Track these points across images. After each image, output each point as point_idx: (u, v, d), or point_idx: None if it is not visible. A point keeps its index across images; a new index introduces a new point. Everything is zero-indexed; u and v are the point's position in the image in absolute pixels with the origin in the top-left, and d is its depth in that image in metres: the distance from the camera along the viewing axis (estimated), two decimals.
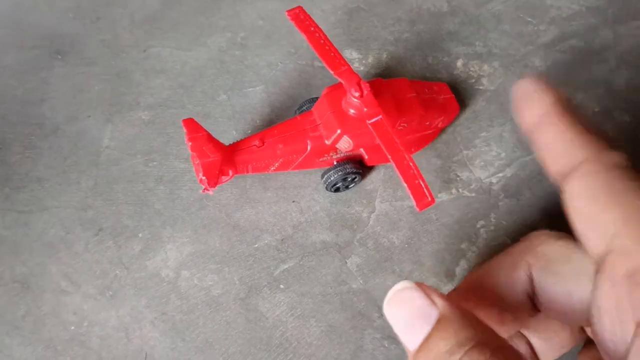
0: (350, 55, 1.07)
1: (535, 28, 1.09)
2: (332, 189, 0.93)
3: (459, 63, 1.06)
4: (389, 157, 0.79)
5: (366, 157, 0.92)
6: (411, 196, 0.76)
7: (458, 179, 0.96)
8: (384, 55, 1.07)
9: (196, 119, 0.93)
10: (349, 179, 0.92)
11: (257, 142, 0.87)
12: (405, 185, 0.76)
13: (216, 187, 0.85)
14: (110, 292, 0.90)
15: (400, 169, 0.77)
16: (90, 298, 0.90)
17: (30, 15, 1.15)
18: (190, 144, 0.83)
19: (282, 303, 0.88)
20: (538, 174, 0.96)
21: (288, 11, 0.84)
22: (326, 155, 0.89)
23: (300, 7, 0.85)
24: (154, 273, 0.91)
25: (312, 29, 0.83)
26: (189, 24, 1.12)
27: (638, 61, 1.06)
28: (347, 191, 0.95)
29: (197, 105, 1.04)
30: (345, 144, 0.86)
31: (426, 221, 0.93)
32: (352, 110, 0.84)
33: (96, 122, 1.03)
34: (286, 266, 0.91)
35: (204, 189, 0.83)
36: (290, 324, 0.88)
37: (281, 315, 0.88)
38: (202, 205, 0.95)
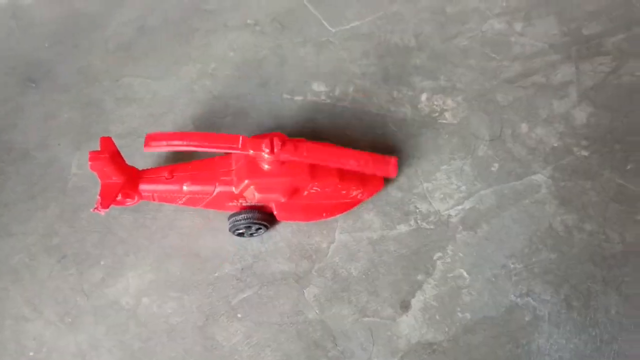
0: (318, 87, 1.13)
1: (499, 64, 1.15)
2: (236, 234, 0.97)
3: (424, 97, 1.12)
4: (340, 165, 0.84)
5: (275, 212, 0.96)
6: (379, 173, 0.81)
7: (417, 211, 1.01)
8: (351, 89, 1.13)
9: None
10: (254, 228, 0.96)
11: (166, 174, 0.92)
12: (369, 171, 0.82)
13: (108, 209, 0.89)
14: (70, 319, 0.95)
15: (354, 164, 0.83)
16: (51, 324, 0.94)
17: (5, 43, 1.20)
18: (90, 163, 0.87)
19: (238, 332, 0.92)
20: (496, 207, 1.00)
21: (145, 147, 0.87)
22: (235, 201, 0.93)
23: (148, 136, 0.87)
24: (114, 300, 0.95)
25: (180, 139, 0.86)
26: (162, 53, 1.17)
27: (600, 97, 1.12)
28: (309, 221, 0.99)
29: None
30: (251, 195, 0.91)
31: (384, 252, 0.98)
32: (265, 166, 0.89)
33: (65, 150, 1.08)
34: (244, 295, 0.95)
35: (95, 208, 0.88)
36: (245, 353, 0.92)
37: (237, 344, 0.92)
38: (165, 234, 0.99)
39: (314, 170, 0.89)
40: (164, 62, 1.17)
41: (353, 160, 0.84)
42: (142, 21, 1.21)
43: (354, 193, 0.96)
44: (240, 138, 0.84)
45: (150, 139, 0.84)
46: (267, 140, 0.84)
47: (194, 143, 0.82)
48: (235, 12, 1.22)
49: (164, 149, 0.82)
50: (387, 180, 1.04)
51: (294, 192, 0.91)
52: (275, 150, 0.84)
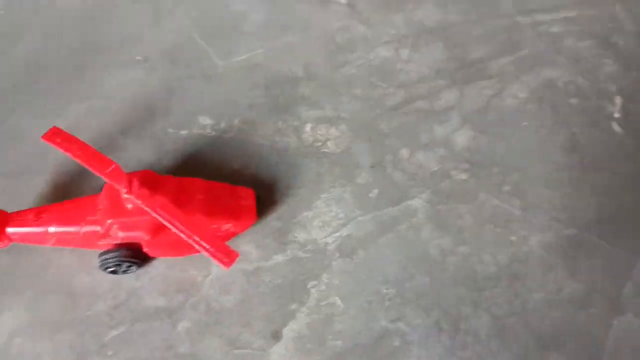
0: (204, 121, 1.14)
1: (385, 91, 1.17)
2: (108, 271, 0.98)
3: (308, 127, 1.14)
4: (183, 236, 0.85)
5: (145, 249, 0.97)
6: (215, 261, 0.82)
7: (295, 240, 1.02)
8: (236, 121, 1.14)
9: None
10: (125, 266, 0.97)
11: (32, 216, 0.93)
12: (206, 254, 0.82)
13: None
14: None
15: (195, 242, 0.83)
16: None
17: None
18: None
19: None
20: (373, 233, 1.01)
21: (43, 136, 0.89)
22: (104, 239, 0.94)
23: (55, 128, 0.90)
24: None
25: (70, 143, 0.89)
26: (51, 92, 1.19)
27: (482, 120, 1.14)
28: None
29: (52, 173, 1.09)
30: (116, 233, 0.92)
31: (260, 283, 0.99)
32: (129, 205, 0.90)
33: None
34: (116, 332, 0.96)
35: None
36: None
37: None
38: (41, 273, 1.00)
39: (180, 206, 0.90)
40: (52, 100, 1.19)
41: (196, 235, 0.85)
42: (31, 58, 1.22)
43: (226, 227, 0.97)
44: (114, 165, 0.85)
45: (52, 134, 0.84)
46: (125, 181, 0.85)
47: (77, 152, 0.83)
48: (125, 48, 1.24)
49: (57, 145, 0.84)
50: (266, 210, 1.05)
51: (158, 229, 0.92)
52: (133, 191, 0.86)
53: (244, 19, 1.26)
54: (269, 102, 1.17)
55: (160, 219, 0.86)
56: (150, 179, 0.90)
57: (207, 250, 0.84)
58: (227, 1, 1.29)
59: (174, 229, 0.85)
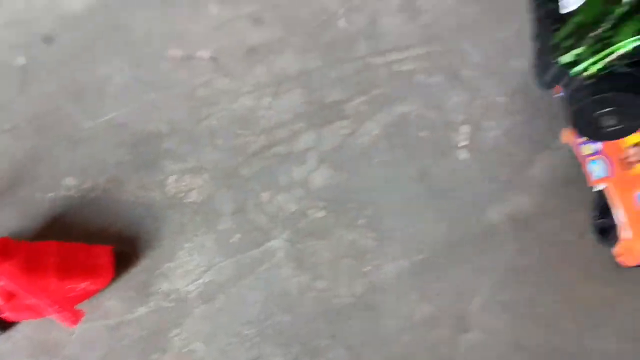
0: (69, 183, 1.18)
1: (246, 139, 1.23)
2: None
3: (172, 179, 1.18)
4: (32, 300, 0.88)
5: (5, 314, 1.00)
6: (61, 321, 0.86)
7: (159, 290, 1.06)
8: (102, 180, 1.18)
9: None
10: None
11: None
12: (52, 315, 0.86)
13: None
14: None
15: (42, 305, 0.87)
16: None
17: None
18: None
19: None
20: (235, 277, 1.06)
21: None
22: None
23: None
24: None
25: None
26: None
27: (338, 159, 1.20)
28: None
29: None
30: None
31: (123, 337, 1.02)
32: None
33: None
34: None
35: None
36: None
37: None
38: None
39: (28, 273, 0.93)
40: None
41: (43, 298, 0.88)
42: None
43: (82, 285, 1.00)
44: None
45: None
46: None
47: None
48: None
49: None
50: (131, 264, 1.09)
51: (12, 295, 0.94)
52: None
53: (109, 81, 1.32)
54: (134, 159, 1.22)
55: (8, 286, 0.89)
56: (1, 247, 0.93)
57: (53, 311, 0.87)
58: (92, 65, 1.34)
59: (23, 294, 0.88)
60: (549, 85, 0.83)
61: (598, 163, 1.04)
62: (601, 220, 1.05)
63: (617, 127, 0.85)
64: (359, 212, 1.14)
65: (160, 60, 1.34)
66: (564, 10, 0.79)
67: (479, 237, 1.11)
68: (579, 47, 0.74)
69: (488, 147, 1.22)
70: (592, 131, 0.87)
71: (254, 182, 1.18)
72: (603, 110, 0.82)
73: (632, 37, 0.72)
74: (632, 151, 0.97)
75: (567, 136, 1.13)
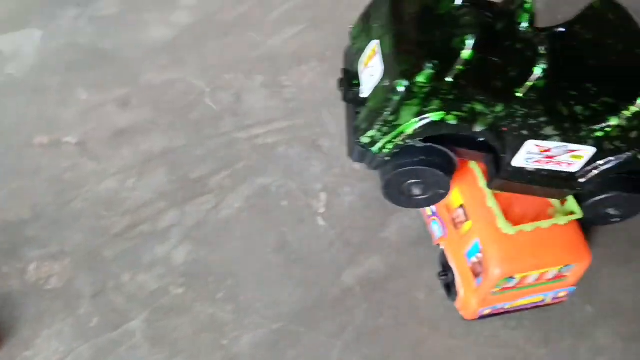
0: None
1: (110, 221, 1.25)
2: None
3: (32, 267, 1.19)
4: None
5: None
6: None
7: None
8: None
9: None
10: None
11: None
12: None
13: None
14: None
15: None
16: None
17: None
18: None
19: None
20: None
21: None
22: None
23: None
24: None
25: None
26: None
27: (200, 234, 1.23)
28: None
29: None
30: None
31: None
32: None
33: None
34: None
35: None
36: None
37: None
38: None
39: None
40: None
41: None
42: None
43: None
44: None
45: None
46: None
47: None
48: None
49: None
50: None
51: None
52: None
53: None
54: None
55: None
56: None
57: None
58: None
59: None
60: (361, 161, 0.89)
61: (436, 223, 1.10)
62: (444, 277, 1.11)
63: (425, 196, 0.92)
64: (219, 286, 1.17)
65: (27, 147, 1.36)
66: (362, 96, 0.87)
67: (334, 301, 1.15)
68: (371, 130, 0.81)
69: (344, 213, 1.28)
70: (404, 201, 0.93)
71: (117, 263, 1.20)
72: (408, 182, 0.89)
73: (413, 119, 0.79)
74: (459, 211, 1.04)
75: None
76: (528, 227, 0.95)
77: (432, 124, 0.79)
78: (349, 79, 0.90)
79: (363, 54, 0.89)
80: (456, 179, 1.02)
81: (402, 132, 0.80)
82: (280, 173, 1.33)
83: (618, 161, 0.86)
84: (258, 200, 1.29)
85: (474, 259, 1.01)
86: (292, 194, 1.30)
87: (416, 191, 0.90)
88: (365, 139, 0.83)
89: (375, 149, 0.84)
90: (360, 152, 0.86)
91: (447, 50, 0.76)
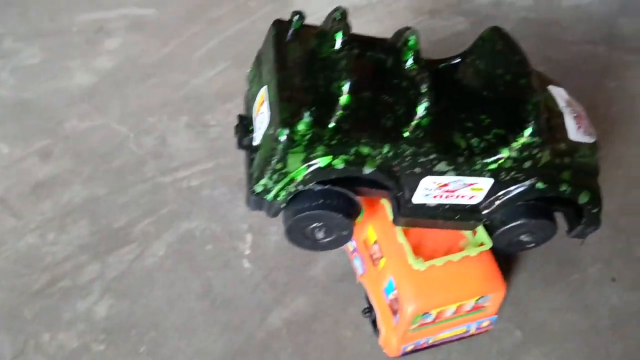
0: None
1: (30, 278, 1.22)
2: None
3: None
4: None
5: None
6: None
7: None
8: None
9: None
10: None
11: None
12: None
13: None
14: None
15: None
16: None
17: None
18: None
19: None
20: None
21: None
22: None
23: None
24: None
25: None
26: None
27: (123, 286, 1.20)
28: None
29: None
30: None
31: None
32: None
33: None
34: None
35: None
36: None
37: None
38: None
39: None
40: None
41: None
42: None
43: None
44: None
45: None
46: None
47: None
48: None
49: None
50: None
51: None
52: None
53: None
54: None
55: None
56: None
57: None
58: None
59: None
60: (258, 209, 0.88)
61: (358, 260, 1.09)
62: (369, 314, 1.09)
63: (329, 238, 0.90)
64: (141, 339, 1.14)
65: None
66: (254, 143, 0.85)
67: (260, 345, 1.14)
68: (263, 178, 0.80)
69: (270, 253, 1.26)
70: (310, 245, 0.92)
71: (37, 322, 1.17)
72: (310, 226, 0.87)
73: (301, 166, 0.78)
74: (375, 248, 1.03)
75: None
76: (439, 261, 0.94)
77: (320, 169, 0.77)
78: (245, 126, 0.89)
79: (255, 100, 0.87)
80: (369, 215, 1.01)
81: (292, 179, 0.79)
82: (205, 216, 1.31)
83: (518, 191, 0.85)
84: (182, 245, 1.27)
85: (391, 296, 1.00)
86: (217, 237, 1.28)
87: (320, 235, 0.89)
88: (258, 187, 0.82)
89: (269, 197, 0.83)
90: (256, 201, 0.85)
91: (327, 96, 0.75)
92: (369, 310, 1.10)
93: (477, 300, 0.98)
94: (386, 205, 0.99)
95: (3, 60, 1.60)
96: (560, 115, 0.84)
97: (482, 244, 0.96)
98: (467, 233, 0.98)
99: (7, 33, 1.63)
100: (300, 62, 0.82)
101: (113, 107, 1.51)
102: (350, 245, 1.14)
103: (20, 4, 1.68)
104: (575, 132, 0.83)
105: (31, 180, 1.39)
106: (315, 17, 0.98)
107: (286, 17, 0.96)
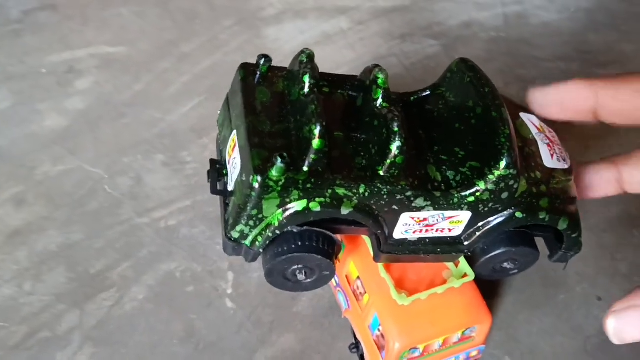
0: None
1: (8, 331, 1.18)
2: None
3: None
4: None
5: None
6: None
7: None
8: None
9: None
10: None
11: None
12: None
13: None
14: None
15: None
16: None
17: None
18: None
19: None
20: None
21: None
22: None
23: None
24: None
25: None
26: None
27: (103, 333, 1.17)
28: None
29: None
30: None
31: None
32: None
33: None
34: None
35: None
36: None
37: None
38: None
39: None
40: None
41: None
42: None
43: None
44: None
45: None
46: None
47: None
48: None
49: None
50: None
51: None
52: None
53: None
54: None
55: None
56: None
57: None
58: None
59: None
60: (236, 254, 0.86)
61: (341, 295, 1.07)
62: (355, 350, 1.07)
63: (311, 279, 0.88)
64: None
65: None
66: (229, 188, 0.83)
67: None
68: (239, 224, 0.78)
69: (253, 291, 1.24)
70: (292, 286, 0.90)
71: None
72: (290, 269, 0.85)
73: (277, 211, 0.76)
74: (358, 283, 1.01)
75: None
76: (423, 295, 0.92)
77: (297, 213, 0.76)
78: (218, 170, 0.87)
79: (227, 144, 0.86)
80: (351, 251, 0.99)
81: (269, 224, 0.78)
82: (185, 256, 1.29)
83: (498, 221, 0.84)
84: (163, 288, 1.24)
85: (377, 332, 0.98)
86: (198, 277, 1.26)
87: (301, 276, 0.87)
88: (235, 234, 0.80)
89: (247, 242, 0.81)
90: (233, 247, 0.83)
91: (299, 140, 0.74)
92: (357, 345, 1.08)
93: (463, 331, 0.96)
94: (367, 240, 0.97)
95: None
96: (534, 143, 0.83)
97: (465, 275, 0.94)
98: (450, 264, 0.97)
99: None
100: (269, 106, 0.81)
101: (87, 149, 1.48)
102: (333, 280, 1.12)
103: None
104: (549, 159, 0.83)
105: (4, 229, 1.35)
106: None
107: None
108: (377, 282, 0.96)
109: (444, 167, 0.84)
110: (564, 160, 0.87)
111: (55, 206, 1.40)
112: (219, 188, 0.86)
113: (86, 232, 1.35)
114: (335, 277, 1.07)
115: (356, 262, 1.00)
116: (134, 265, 1.29)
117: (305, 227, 0.82)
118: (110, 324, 1.20)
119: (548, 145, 0.84)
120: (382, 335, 0.96)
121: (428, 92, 0.92)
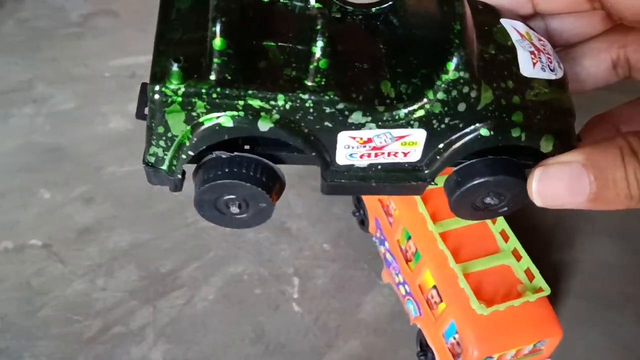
0: None
1: (82, 325, 1.23)
2: None
3: None
4: None
5: None
6: None
7: None
8: None
9: None
10: None
11: None
12: None
13: None
14: None
15: None
16: None
17: None
18: None
19: None
20: None
21: None
22: None
23: None
24: None
25: None
26: None
27: (176, 331, 1.22)
28: None
29: None
30: None
31: None
32: None
33: None
34: None
35: None
36: None
37: None
38: None
39: None
40: None
41: None
42: None
43: None
44: None
45: None
46: None
47: None
48: None
49: None
50: None
51: None
52: None
53: None
54: None
55: None
56: None
57: None
58: None
59: None
60: (159, 183, 0.77)
61: (411, 303, 1.12)
62: (423, 357, 1.12)
63: (248, 213, 0.74)
64: None
65: None
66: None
67: None
68: (152, 146, 0.71)
69: (318, 296, 1.29)
70: (228, 221, 0.77)
71: None
72: (221, 199, 0.72)
73: (185, 127, 0.66)
74: (433, 292, 1.07)
75: (387, 275, 1.22)
76: (501, 306, 0.97)
77: (207, 130, 0.65)
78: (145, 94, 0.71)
79: None
80: (428, 260, 1.05)
81: (181, 144, 0.67)
82: (251, 260, 1.34)
83: (461, 142, 0.69)
84: (231, 290, 1.30)
85: (452, 340, 1.03)
86: (264, 281, 1.31)
87: (234, 209, 0.74)
88: (150, 158, 0.71)
89: (164, 167, 0.72)
90: (153, 174, 0.74)
91: (203, 44, 0.64)
92: (423, 353, 1.13)
93: (535, 344, 1.02)
94: (445, 250, 1.03)
95: (37, 105, 1.63)
96: (511, 49, 0.69)
97: (540, 290, 1.00)
98: (524, 278, 1.03)
99: (37, 78, 1.66)
100: (186, 14, 0.70)
101: None
102: (402, 289, 1.17)
103: (49, 49, 1.71)
104: (530, 67, 0.68)
105: (75, 225, 1.40)
106: None
107: None
108: (455, 292, 1.02)
109: (399, 81, 0.70)
110: (552, 70, 0.71)
111: (122, 206, 1.46)
112: (143, 112, 0.73)
113: (154, 232, 1.41)
114: (406, 286, 1.13)
115: (433, 271, 1.05)
116: (202, 267, 1.34)
117: (236, 153, 0.70)
118: (183, 322, 1.25)
119: (532, 53, 0.71)
120: (458, 343, 1.01)
121: (390, 2, 0.77)
